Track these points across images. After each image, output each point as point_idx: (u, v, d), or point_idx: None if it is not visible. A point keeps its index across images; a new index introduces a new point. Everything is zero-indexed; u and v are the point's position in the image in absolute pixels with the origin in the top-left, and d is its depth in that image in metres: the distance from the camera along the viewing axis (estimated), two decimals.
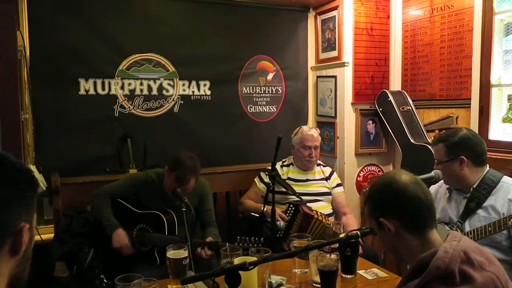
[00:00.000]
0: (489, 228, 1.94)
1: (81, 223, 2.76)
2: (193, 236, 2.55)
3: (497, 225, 1.92)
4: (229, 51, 3.58)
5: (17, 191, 0.89)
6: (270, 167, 2.66)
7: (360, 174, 3.71)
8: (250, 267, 1.32)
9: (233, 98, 3.65)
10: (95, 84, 3.18)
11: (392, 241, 1.26)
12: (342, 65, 3.59)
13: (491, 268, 1.11)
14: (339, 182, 3.28)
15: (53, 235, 2.83)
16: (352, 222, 3.09)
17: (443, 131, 3.00)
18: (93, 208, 2.72)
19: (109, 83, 3.22)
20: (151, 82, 3.34)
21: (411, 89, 3.54)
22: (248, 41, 3.65)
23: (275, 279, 1.92)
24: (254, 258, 1.69)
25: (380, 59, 3.66)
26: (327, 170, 3.29)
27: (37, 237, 2.88)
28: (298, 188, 3.08)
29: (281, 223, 2.82)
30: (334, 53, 3.67)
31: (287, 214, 2.88)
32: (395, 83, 3.67)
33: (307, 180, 3.16)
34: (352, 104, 3.62)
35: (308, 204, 2.98)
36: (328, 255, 1.81)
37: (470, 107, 3.03)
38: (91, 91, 3.17)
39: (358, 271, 2.02)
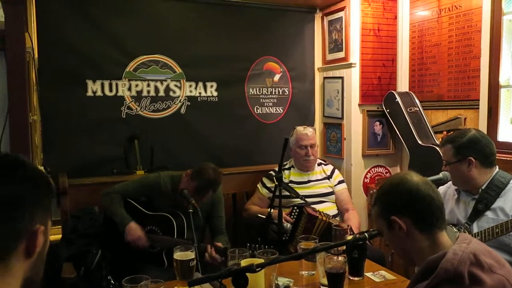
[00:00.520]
0: (497, 230, 1.92)
1: (88, 224, 2.77)
2: (201, 241, 2.54)
3: (505, 226, 1.90)
4: (235, 52, 3.58)
5: (33, 194, 0.90)
6: (275, 169, 2.65)
7: (367, 175, 3.70)
8: (257, 269, 1.32)
9: (240, 99, 3.65)
10: (102, 85, 3.19)
11: (402, 242, 1.25)
12: (349, 66, 3.57)
13: (501, 271, 1.09)
14: (341, 178, 3.27)
15: (60, 236, 2.85)
16: (353, 217, 3.05)
17: (451, 133, 2.98)
18: (103, 207, 2.73)
19: (117, 85, 3.23)
20: (158, 84, 3.35)
21: (418, 90, 3.52)
22: (254, 42, 3.65)
23: (282, 281, 1.92)
24: (261, 260, 1.68)
25: (388, 60, 3.65)
26: (329, 168, 3.27)
27: None
28: (300, 191, 3.07)
29: (287, 225, 2.81)
30: (341, 54, 3.66)
31: (292, 217, 2.87)
32: (403, 84, 3.65)
33: (309, 181, 3.15)
34: (359, 105, 3.61)
35: (313, 206, 2.97)
36: (335, 257, 1.80)
37: (478, 108, 3.00)
38: (99, 93, 3.18)
39: (365, 274, 2.01)
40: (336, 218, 3.05)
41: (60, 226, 2.94)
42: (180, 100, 3.42)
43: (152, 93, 3.34)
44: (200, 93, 3.49)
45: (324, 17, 3.83)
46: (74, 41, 3.08)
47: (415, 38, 3.53)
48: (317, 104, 3.97)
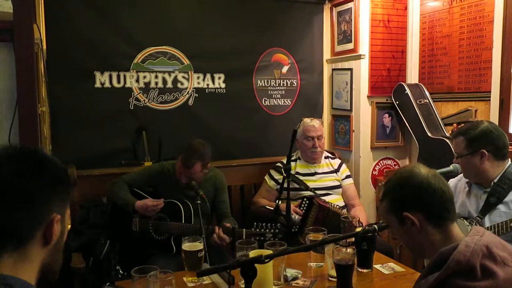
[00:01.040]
0: (511, 224, 1.90)
1: (97, 215, 2.79)
2: (209, 225, 2.56)
3: None
4: (244, 43, 3.56)
5: (51, 187, 0.94)
6: (283, 161, 2.64)
7: (375, 168, 3.68)
8: (266, 260, 1.31)
9: (248, 91, 3.63)
10: (110, 77, 3.19)
11: (414, 237, 1.23)
12: (358, 57, 3.54)
13: None
14: (348, 173, 3.25)
15: (69, 226, 2.86)
16: (360, 213, 3.04)
17: (462, 125, 2.94)
18: (110, 196, 2.75)
19: (124, 76, 3.23)
20: (166, 75, 3.34)
21: (428, 81, 3.48)
22: (263, 33, 3.62)
23: (290, 272, 1.91)
24: (270, 251, 1.68)
25: (397, 52, 3.61)
26: (336, 162, 3.25)
27: None
28: (306, 183, 3.06)
29: (296, 217, 2.81)
30: (350, 46, 3.63)
31: (301, 208, 2.86)
32: (412, 75, 3.61)
33: (315, 173, 3.13)
34: (368, 97, 3.58)
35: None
36: (344, 249, 1.79)
37: (490, 100, 2.96)
38: (107, 84, 3.18)
39: (374, 266, 2.00)
40: (344, 210, 3.03)
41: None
42: (188, 91, 3.41)
43: (160, 85, 3.33)
44: (208, 84, 3.47)
45: (333, 8, 3.79)
46: (82, 33, 3.07)
47: (426, 29, 3.49)
48: (325, 96, 3.94)
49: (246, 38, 3.57)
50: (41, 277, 0.93)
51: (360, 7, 3.48)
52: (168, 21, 3.32)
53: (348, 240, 1.83)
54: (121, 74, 3.22)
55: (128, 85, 3.24)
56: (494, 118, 2.90)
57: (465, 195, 2.16)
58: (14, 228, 0.88)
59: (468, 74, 3.15)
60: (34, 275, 0.91)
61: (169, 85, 3.35)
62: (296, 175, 3.09)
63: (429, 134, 3.22)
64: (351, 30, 3.60)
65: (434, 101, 3.38)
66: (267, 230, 2.33)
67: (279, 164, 3.14)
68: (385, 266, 2.02)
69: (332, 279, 1.86)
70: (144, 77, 3.28)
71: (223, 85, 3.52)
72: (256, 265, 1.30)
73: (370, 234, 1.56)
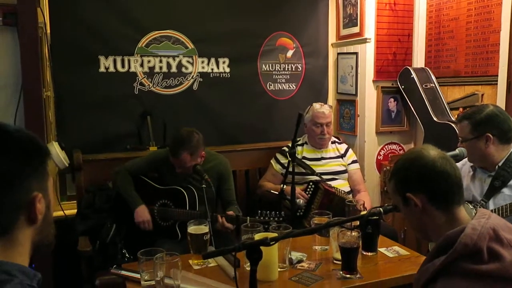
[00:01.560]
0: None
1: (103, 199, 2.81)
2: (214, 211, 2.56)
3: None
4: (248, 27, 3.52)
5: (24, 164, 0.86)
6: (289, 145, 2.64)
7: (380, 152, 3.67)
8: (271, 243, 1.32)
9: (253, 76, 3.61)
10: (115, 61, 3.18)
11: (418, 218, 1.23)
12: (364, 41, 3.50)
13: None
14: (355, 158, 3.25)
15: (76, 210, 2.89)
16: (365, 199, 3.04)
17: (468, 109, 2.92)
18: (114, 185, 2.76)
19: (129, 61, 3.21)
20: (170, 60, 3.33)
21: (434, 65, 3.45)
22: (267, 17, 3.58)
23: (295, 255, 1.93)
24: (275, 234, 1.69)
25: (403, 35, 3.56)
26: (343, 147, 3.25)
27: (60, 213, 2.94)
28: (313, 167, 3.06)
29: (300, 201, 2.81)
30: (355, 29, 3.59)
31: (307, 192, 2.87)
32: (418, 59, 3.57)
33: (321, 158, 3.13)
34: (373, 81, 3.55)
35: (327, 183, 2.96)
36: (349, 232, 1.80)
37: (497, 84, 2.93)
38: (111, 69, 3.17)
39: (379, 249, 2.01)
40: (350, 195, 3.04)
41: (75, 201, 2.98)
42: (193, 76, 3.40)
43: (165, 69, 3.31)
44: (212, 69, 3.45)
45: None
46: (86, 16, 3.05)
47: (433, 12, 3.44)
48: (330, 80, 3.91)
49: (251, 22, 3.53)
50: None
51: None
52: (172, 4, 3.28)
53: (353, 224, 1.84)
54: (126, 58, 3.20)
55: (132, 69, 3.23)
56: (501, 102, 2.88)
57: (469, 179, 2.15)
58: None
59: (475, 57, 3.11)
60: (26, 255, 0.88)
61: (174, 69, 3.34)
62: (303, 160, 3.09)
63: (435, 119, 3.20)
64: (356, 14, 3.55)
65: (440, 85, 3.35)
66: (271, 218, 2.33)
67: (285, 148, 3.14)
68: (389, 250, 2.03)
69: (337, 262, 1.88)
70: (149, 61, 3.27)
71: (227, 70, 3.50)
72: (261, 247, 1.31)
73: (375, 217, 1.56)
